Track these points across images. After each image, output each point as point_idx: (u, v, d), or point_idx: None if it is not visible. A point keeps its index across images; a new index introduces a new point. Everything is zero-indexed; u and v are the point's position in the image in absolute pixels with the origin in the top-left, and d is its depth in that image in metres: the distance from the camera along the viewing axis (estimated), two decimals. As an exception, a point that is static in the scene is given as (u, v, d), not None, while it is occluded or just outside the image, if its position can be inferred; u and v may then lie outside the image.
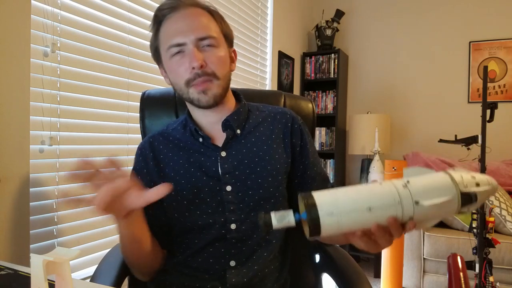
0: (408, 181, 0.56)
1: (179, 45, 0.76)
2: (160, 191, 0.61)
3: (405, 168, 0.59)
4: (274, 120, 0.87)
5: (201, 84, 0.76)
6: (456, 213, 0.56)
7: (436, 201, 0.54)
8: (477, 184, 0.55)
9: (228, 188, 0.79)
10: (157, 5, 0.82)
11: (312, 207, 0.54)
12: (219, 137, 0.82)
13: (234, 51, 0.87)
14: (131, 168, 0.87)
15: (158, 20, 0.79)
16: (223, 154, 0.80)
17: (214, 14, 0.81)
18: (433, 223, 0.58)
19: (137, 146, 0.90)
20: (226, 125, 0.82)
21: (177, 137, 0.84)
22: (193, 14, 0.78)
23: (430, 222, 0.58)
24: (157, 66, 0.87)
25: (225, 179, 0.79)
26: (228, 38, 0.83)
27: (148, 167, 0.83)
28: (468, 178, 0.56)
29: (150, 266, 0.80)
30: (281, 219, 0.56)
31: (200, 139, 0.82)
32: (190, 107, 0.85)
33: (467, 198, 0.54)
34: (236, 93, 0.90)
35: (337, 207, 0.54)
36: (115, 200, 0.61)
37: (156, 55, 0.83)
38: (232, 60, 0.85)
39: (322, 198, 0.55)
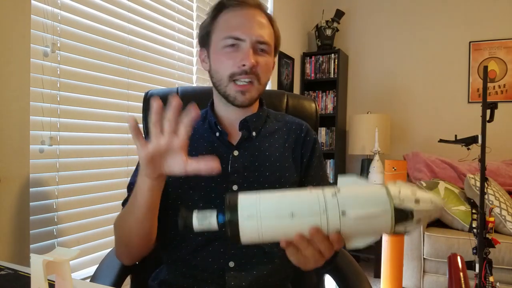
0: (339, 190, 0.51)
1: (237, 39, 0.77)
2: (210, 166, 0.59)
3: (340, 175, 0.54)
4: (289, 130, 0.88)
5: (243, 86, 0.78)
6: (390, 231, 0.50)
7: (365, 212, 0.49)
8: (417, 201, 0.50)
9: (235, 187, 0.79)
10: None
11: (232, 208, 0.50)
12: (235, 135, 0.84)
13: (274, 61, 0.88)
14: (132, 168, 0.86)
15: (221, 7, 0.80)
16: (236, 153, 0.81)
17: (273, 24, 0.83)
18: (366, 241, 0.52)
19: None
20: (243, 125, 0.83)
21: (195, 128, 0.84)
22: (258, 16, 0.79)
23: (361, 240, 0.52)
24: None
25: (233, 178, 0.79)
26: (276, 49, 0.86)
27: None
28: (407, 193, 0.50)
29: (145, 246, 0.77)
30: (202, 219, 0.52)
31: (217, 134, 0.83)
32: (218, 99, 0.85)
33: (402, 214, 0.49)
34: (260, 98, 0.91)
35: (258, 209, 0.50)
36: (163, 154, 0.60)
37: (205, 39, 0.83)
38: (272, 67, 0.87)
39: (245, 199, 0.51)
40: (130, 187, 0.81)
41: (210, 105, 0.87)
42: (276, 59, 0.89)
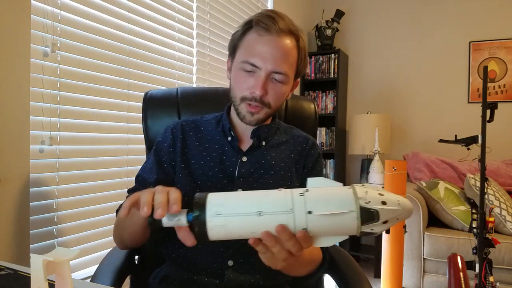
0: (307, 190, 0.53)
1: (254, 65, 0.78)
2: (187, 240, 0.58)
3: (310, 178, 0.56)
4: (296, 142, 0.91)
5: (254, 107, 0.80)
6: (357, 231, 0.51)
7: (330, 212, 0.50)
8: (383, 203, 0.51)
9: (239, 191, 0.80)
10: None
11: (200, 206, 0.51)
12: (245, 142, 0.87)
13: (297, 82, 0.89)
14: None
15: (250, 26, 0.80)
16: (244, 159, 0.84)
17: (301, 49, 0.82)
18: (333, 241, 0.54)
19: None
20: (255, 134, 0.86)
21: (208, 129, 0.88)
22: (282, 46, 0.78)
23: (330, 239, 0.54)
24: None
25: (238, 182, 0.82)
26: (299, 74, 0.85)
27: (175, 147, 0.85)
28: (374, 194, 0.51)
29: (140, 240, 0.78)
30: (171, 216, 0.53)
31: (229, 138, 0.86)
32: (233, 108, 0.87)
33: (367, 215, 0.50)
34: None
35: (226, 207, 0.51)
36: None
37: (232, 49, 0.85)
38: (292, 89, 0.88)
39: (214, 198, 0.52)
40: (139, 178, 0.85)
41: (226, 109, 0.90)
42: (299, 80, 0.89)
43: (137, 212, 0.59)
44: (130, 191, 0.83)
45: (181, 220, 0.53)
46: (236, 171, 0.83)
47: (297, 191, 0.53)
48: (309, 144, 0.91)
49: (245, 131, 0.87)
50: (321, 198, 0.51)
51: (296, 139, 0.92)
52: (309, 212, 0.50)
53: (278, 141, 0.90)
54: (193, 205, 0.52)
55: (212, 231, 0.51)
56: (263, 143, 0.87)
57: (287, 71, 0.79)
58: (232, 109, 0.88)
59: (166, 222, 0.53)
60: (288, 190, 0.53)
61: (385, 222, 0.51)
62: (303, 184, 0.86)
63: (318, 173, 0.91)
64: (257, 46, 0.78)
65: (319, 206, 0.51)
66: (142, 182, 0.84)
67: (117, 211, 0.82)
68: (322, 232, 0.52)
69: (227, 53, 0.87)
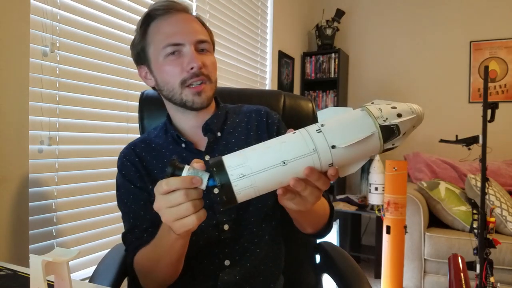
0: (322, 125, 0.50)
1: (177, 45, 0.76)
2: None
3: (319, 111, 0.54)
4: (249, 118, 0.88)
5: (198, 87, 0.77)
6: (380, 150, 0.51)
7: (353, 140, 0.48)
8: (399, 115, 0.50)
9: (216, 190, 0.79)
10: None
11: (220, 173, 0.48)
12: (201, 141, 0.83)
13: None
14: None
15: (149, 20, 0.80)
16: (207, 157, 0.80)
17: (203, 22, 0.84)
18: (359, 165, 0.53)
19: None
20: (207, 129, 0.82)
21: (160, 143, 0.83)
22: (188, 19, 0.80)
23: (355, 165, 0.53)
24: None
25: None
26: (213, 45, 0.87)
27: (140, 172, 0.80)
28: (387, 109, 0.50)
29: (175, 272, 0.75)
30: (193, 174, 0.51)
31: (183, 145, 0.82)
32: (173, 111, 0.84)
33: (388, 132, 0.49)
34: (215, 97, 0.90)
35: (247, 167, 0.48)
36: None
37: (141, 56, 0.82)
38: None
39: (231, 160, 0.49)
40: (135, 230, 0.78)
41: (167, 118, 0.86)
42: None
43: (170, 233, 0.58)
44: (131, 245, 0.76)
45: (202, 185, 0.51)
46: None
47: (312, 128, 0.50)
48: (263, 115, 0.88)
49: (195, 131, 0.83)
50: (339, 129, 0.49)
51: (249, 115, 0.89)
52: (333, 147, 0.49)
53: (232, 126, 0.86)
54: (212, 173, 0.49)
55: (240, 194, 0.49)
56: (219, 134, 0.83)
57: (208, 39, 0.80)
58: (173, 113, 0.84)
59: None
60: (303, 130, 0.51)
61: (404, 133, 0.50)
62: None
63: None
64: (169, 27, 0.77)
65: (340, 138, 0.49)
66: (138, 230, 0.77)
67: (126, 251, 0.76)
68: (347, 162, 0.51)
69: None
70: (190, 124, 0.83)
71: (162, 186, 0.52)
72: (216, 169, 0.49)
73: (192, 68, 0.76)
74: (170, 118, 0.86)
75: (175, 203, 0.52)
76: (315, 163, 0.49)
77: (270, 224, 0.84)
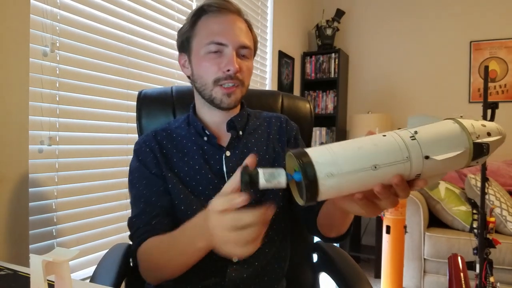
0: (416, 132, 0.48)
1: (220, 44, 0.78)
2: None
3: (410, 117, 0.51)
4: (270, 123, 0.92)
5: (229, 88, 0.79)
6: (465, 166, 0.49)
7: (449, 154, 0.46)
8: (488, 134, 0.48)
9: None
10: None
11: (308, 168, 0.45)
12: (223, 137, 0.85)
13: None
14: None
15: (200, 13, 0.81)
16: (228, 153, 0.83)
17: (251, 29, 0.86)
18: (440, 178, 0.51)
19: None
20: (231, 126, 0.85)
21: (182, 134, 0.85)
22: (238, 22, 0.82)
23: (437, 178, 0.50)
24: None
25: (229, 177, 0.80)
26: (255, 51, 0.88)
27: (157, 158, 0.82)
28: (479, 126, 0.48)
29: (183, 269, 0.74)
30: (270, 178, 0.47)
31: (205, 138, 0.84)
32: (200, 104, 0.86)
33: (479, 150, 0.47)
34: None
35: (339, 166, 0.45)
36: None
37: (184, 44, 0.84)
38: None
39: (319, 156, 0.46)
40: (142, 217, 0.77)
41: (192, 110, 0.88)
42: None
43: (199, 242, 0.58)
44: (139, 228, 0.76)
45: (281, 183, 0.48)
46: (224, 167, 0.81)
47: (405, 134, 0.48)
48: (283, 121, 0.92)
49: (219, 126, 0.86)
50: (434, 139, 0.47)
51: (269, 120, 0.92)
52: (426, 157, 0.46)
53: (253, 127, 0.89)
54: (300, 167, 0.45)
55: (323, 194, 0.45)
56: (240, 132, 0.86)
57: (250, 45, 0.82)
58: (200, 106, 0.86)
59: (263, 183, 0.47)
60: (394, 134, 0.48)
61: (490, 152, 0.48)
62: None
63: (301, 144, 0.92)
64: (217, 26, 0.79)
65: (435, 149, 0.46)
66: (149, 211, 0.77)
67: (131, 237, 0.76)
68: (433, 174, 0.49)
69: None
70: (214, 120, 0.86)
71: (242, 219, 0.50)
72: (304, 163, 0.45)
73: (228, 70, 0.78)
74: (195, 111, 0.88)
75: (245, 226, 0.50)
76: (405, 171, 0.46)
77: (280, 226, 0.84)
